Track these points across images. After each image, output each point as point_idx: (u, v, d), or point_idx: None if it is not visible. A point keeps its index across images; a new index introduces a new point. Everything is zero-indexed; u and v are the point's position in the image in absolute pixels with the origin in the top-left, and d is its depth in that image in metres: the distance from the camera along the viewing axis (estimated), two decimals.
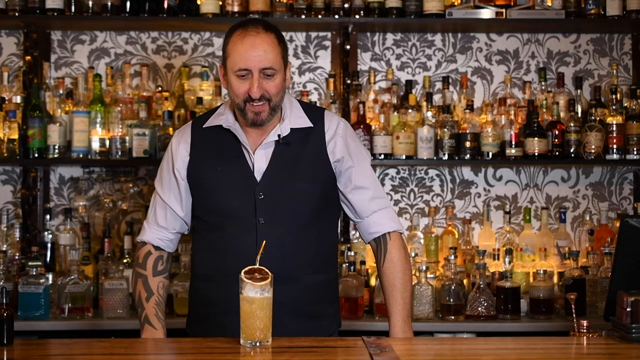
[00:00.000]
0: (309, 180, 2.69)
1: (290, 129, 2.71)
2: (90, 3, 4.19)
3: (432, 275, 4.05)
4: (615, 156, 4.17)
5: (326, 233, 2.78)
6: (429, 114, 4.26)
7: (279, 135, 2.69)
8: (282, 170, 2.68)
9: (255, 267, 2.35)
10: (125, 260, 4.05)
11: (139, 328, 2.76)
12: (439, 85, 4.44)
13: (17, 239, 4.21)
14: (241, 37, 2.61)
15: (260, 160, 2.69)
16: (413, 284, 3.81)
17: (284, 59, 2.66)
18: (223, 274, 2.66)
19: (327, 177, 2.73)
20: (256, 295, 2.31)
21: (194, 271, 2.81)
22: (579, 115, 4.27)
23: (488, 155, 4.18)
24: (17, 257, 4.08)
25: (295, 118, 2.73)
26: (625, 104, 4.28)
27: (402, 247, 2.76)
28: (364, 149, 2.84)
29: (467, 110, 4.23)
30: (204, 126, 2.77)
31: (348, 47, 4.30)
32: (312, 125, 2.74)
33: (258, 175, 2.68)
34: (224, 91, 4.32)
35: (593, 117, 4.18)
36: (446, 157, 4.18)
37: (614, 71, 4.33)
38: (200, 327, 2.76)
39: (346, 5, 4.22)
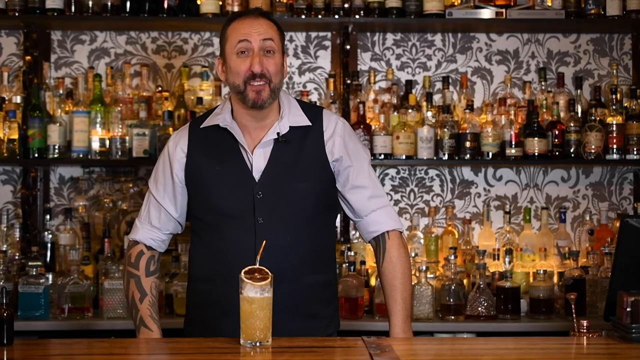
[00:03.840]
0: (307, 179, 2.68)
1: (289, 127, 2.70)
2: (90, 3, 4.19)
3: (432, 275, 4.05)
4: (615, 156, 4.17)
5: (324, 233, 2.76)
6: (429, 114, 4.26)
7: (278, 134, 2.67)
8: (280, 169, 2.67)
9: (255, 267, 2.34)
10: None
11: None
12: (439, 85, 4.44)
13: (17, 239, 4.20)
14: (240, 20, 2.69)
15: (258, 159, 2.68)
16: (413, 284, 3.82)
17: (282, 44, 2.70)
18: (221, 274, 2.64)
19: (325, 177, 2.72)
20: (256, 295, 2.30)
21: (192, 272, 2.79)
22: (579, 115, 4.27)
23: (488, 155, 4.18)
24: (17, 257, 4.08)
25: (293, 116, 2.72)
26: (625, 104, 4.28)
27: (402, 246, 2.74)
28: (363, 147, 2.81)
29: (467, 110, 4.23)
30: (201, 126, 2.76)
31: (348, 47, 4.29)
32: (310, 124, 2.72)
33: (257, 175, 2.67)
34: (224, 91, 4.32)
35: (593, 117, 4.18)
36: (446, 157, 4.18)
37: (614, 71, 4.33)
38: (198, 328, 2.74)
39: (346, 5, 4.22)
